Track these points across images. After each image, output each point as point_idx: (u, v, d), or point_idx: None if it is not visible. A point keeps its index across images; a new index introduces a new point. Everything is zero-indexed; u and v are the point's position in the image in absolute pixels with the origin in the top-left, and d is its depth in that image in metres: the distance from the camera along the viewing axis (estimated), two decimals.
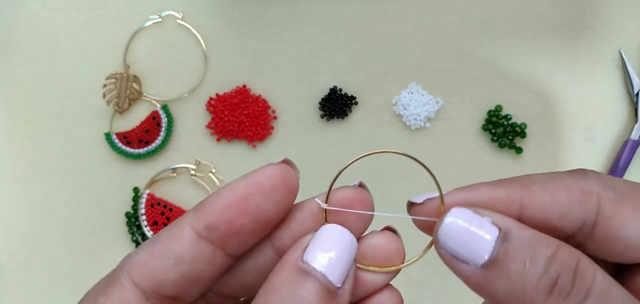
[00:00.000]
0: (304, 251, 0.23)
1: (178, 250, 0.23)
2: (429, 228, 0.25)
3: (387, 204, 0.57)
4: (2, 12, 0.60)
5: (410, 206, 0.26)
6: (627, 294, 0.22)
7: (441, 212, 0.24)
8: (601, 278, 0.22)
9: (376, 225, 0.27)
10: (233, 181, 0.23)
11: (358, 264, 0.25)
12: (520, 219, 0.24)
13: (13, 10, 0.60)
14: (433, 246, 0.25)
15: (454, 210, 0.23)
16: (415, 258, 0.26)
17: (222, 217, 0.23)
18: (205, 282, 0.24)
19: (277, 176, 0.23)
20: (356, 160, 0.26)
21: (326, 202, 0.25)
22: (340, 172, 0.26)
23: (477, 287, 0.23)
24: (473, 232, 0.22)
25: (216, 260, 0.23)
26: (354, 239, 0.24)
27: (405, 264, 0.26)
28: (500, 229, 0.22)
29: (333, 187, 0.25)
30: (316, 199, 0.25)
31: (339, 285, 0.23)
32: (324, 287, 0.22)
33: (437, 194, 0.25)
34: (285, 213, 0.24)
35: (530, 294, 0.21)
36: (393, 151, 0.27)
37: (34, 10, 0.60)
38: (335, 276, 0.22)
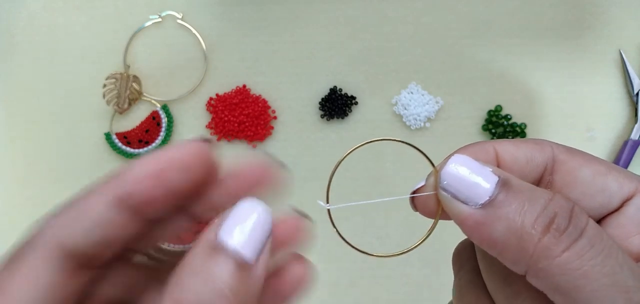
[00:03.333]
0: (220, 228, 0.23)
1: (92, 216, 0.23)
2: (430, 210, 0.27)
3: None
4: (2, 12, 0.60)
5: (413, 197, 0.27)
6: (613, 241, 0.23)
7: (436, 180, 0.25)
8: (593, 223, 0.24)
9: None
10: (149, 154, 0.24)
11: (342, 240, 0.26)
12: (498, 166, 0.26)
13: (13, 10, 0.60)
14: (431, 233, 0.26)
15: (457, 155, 0.25)
16: (420, 242, 0.27)
17: (135, 188, 0.23)
18: (121, 244, 0.24)
19: (191, 153, 0.24)
20: (352, 151, 0.27)
21: (327, 201, 0.25)
22: (339, 164, 0.26)
23: (475, 227, 0.24)
24: (476, 174, 0.24)
25: (130, 225, 0.24)
26: (268, 212, 0.24)
27: (408, 248, 0.27)
28: (499, 177, 0.24)
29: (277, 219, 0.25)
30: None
31: (253, 260, 0.23)
32: (238, 264, 0.22)
33: (432, 173, 0.26)
34: (200, 188, 0.25)
35: (528, 230, 0.23)
36: (387, 138, 0.28)
37: (34, 10, 0.60)
38: (249, 252, 0.22)
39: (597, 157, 0.27)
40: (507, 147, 0.27)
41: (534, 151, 0.27)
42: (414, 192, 0.27)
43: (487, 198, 0.24)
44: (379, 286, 0.58)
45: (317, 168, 0.58)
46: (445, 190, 0.25)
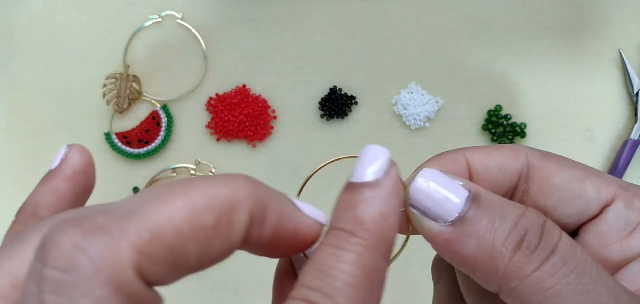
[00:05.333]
0: (351, 175, 0.23)
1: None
2: (402, 227, 0.26)
3: None
4: (2, 12, 0.60)
5: None
6: (589, 256, 0.23)
7: (405, 197, 0.25)
8: (566, 238, 0.23)
9: None
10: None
11: None
12: (470, 179, 0.26)
13: (13, 10, 0.60)
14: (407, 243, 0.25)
15: (425, 170, 0.24)
16: (392, 259, 0.27)
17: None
18: None
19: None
20: (324, 166, 0.26)
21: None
22: (309, 178, 0.26)
23: (445, 245, 0.23)
24: (445, 190, 0.23)
25: None
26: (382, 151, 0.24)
27: None
28: (470, 192, 0.23)
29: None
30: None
31: (376, 178, 0.22)
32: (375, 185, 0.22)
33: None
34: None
35: (499, 249, 0.22)
36: (354, 156, 0.28)
37: (34, 10, 0.60)
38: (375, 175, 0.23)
39: (575, 162, 0.26)
40: (479, 156, 0.26)
41: (508, 158, 0.26)
42: None
43: (457, 215, 0.23)
44: None
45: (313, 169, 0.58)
46: (414, 207, 0.24)
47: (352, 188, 0.22)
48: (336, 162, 0.27)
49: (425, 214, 0.24)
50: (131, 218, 0.18)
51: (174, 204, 0.18)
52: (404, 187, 0.25)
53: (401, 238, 0.26)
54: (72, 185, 0.26)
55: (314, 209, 0.23)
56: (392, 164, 0.23)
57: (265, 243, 0.21)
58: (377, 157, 0.23)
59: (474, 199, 0.23)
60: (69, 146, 0.26)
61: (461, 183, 0.24)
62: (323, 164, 0.27)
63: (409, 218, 0.25)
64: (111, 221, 0.18)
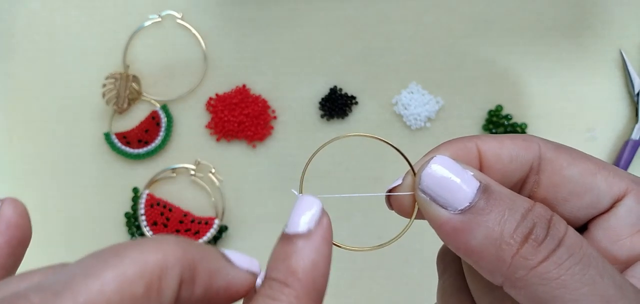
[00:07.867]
0: (286, 226, 0.23)
1: None
2: (406, 210, 0.26)
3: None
4: (1, 12, 0.60)
5: (389, 195, 0.27)
6: (594, 249, 0.23)
7: (414, 181, 0.25)
8: (572, 232, 0.23)
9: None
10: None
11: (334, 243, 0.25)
12: (480, 168, 0.26)
13: (13, 10, 0.60)
14: (409, 228, 0.26)
15: (438, 157, 0.24)
16: (393, 239, 0.27)
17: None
18: None
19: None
20: (325, 146, 0.27)
21: (300, 192, 0.25)
22: (312, 158, 0.27)
23: (453, 233, 0.23)
24: (456, 178, 0.24)
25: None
26: (312, 201, 0.24)
27: (382, 244, 0.27)
28: (480, 183, 0.23)
29: None
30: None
31: (303, 231, 0.23)
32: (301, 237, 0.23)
33: (410, 172, 0.26)
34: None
35: (506, 241, 0.22)
36: (359, 134, 0.27)
37: (33, 10, 0.60)
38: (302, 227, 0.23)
39: (587, 155, 0.26)
40: (491, 145, 0.26)
41: (520, 149, 0.26)
42: (390, 191, 0.26)
43: (467, 204, 0.23)
44: (379, 287, 0.58)
45: (317, 168, 0.58)
46: (424, 192, 0.24)
47: (286, 239, 0.23)
48: (334, 142, 0.27)
49: (434, 200, 0.24)
50: (63, 294, 0.18)
51: (105, 276, 0.19)
52: (413, 172, 0.25)
53: (404, 220, 0.26)
54: (7, 239, 0.26)
55: (248, 260, 0.23)
56: (324, 213, 0.23)
57: (196, 302, 0.21)
58: (309, 207, 0.23)
59: (484, 190, 0.23)
60: (0, 199, 0.26)
61: (472, 173, 0.24)
62: (322, 145, 0.27)
63: (414, 202, 0.25)
64: (45, 299, 0.18)
